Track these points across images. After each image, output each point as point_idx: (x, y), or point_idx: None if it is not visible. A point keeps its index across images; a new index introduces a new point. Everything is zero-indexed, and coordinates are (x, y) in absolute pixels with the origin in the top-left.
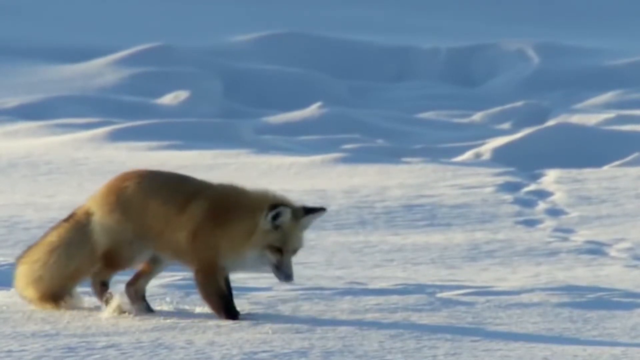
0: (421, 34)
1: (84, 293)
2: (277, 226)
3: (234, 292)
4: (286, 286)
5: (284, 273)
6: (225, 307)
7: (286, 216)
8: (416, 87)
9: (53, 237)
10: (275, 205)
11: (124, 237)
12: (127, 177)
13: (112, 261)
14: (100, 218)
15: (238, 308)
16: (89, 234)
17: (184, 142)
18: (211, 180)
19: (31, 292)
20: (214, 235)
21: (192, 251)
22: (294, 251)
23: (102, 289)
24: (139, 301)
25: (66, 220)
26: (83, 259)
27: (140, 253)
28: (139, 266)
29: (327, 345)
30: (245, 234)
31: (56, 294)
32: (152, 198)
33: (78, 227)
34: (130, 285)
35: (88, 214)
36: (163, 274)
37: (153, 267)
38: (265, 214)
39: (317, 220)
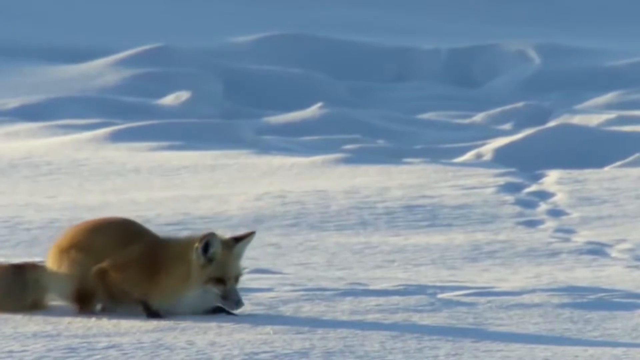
0: (421, 34)
1: None
2: (211, 259)
3: None
4: (287, 287)
5: (232, 300)
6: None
7: (216, 244)
8: (417, 87)
9: None
10: (202, 237)
11: (81, 270)
12: (73, 228)
13: (84, 299)
14: (56, 273)
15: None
16: (29, 288)
17: (184, 142)
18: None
19: None
20: (147, 281)
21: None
22: (236, 278)
23: None
24: None
25: (16, 267)
26: (20, 307)
27: None
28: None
29: (328, 345)
30: (182, 277)
31: None
32: (98, 234)
33: (22, 279)
34: None
35: (40, 271)
36: None
37: None
38: (196, 249)
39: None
